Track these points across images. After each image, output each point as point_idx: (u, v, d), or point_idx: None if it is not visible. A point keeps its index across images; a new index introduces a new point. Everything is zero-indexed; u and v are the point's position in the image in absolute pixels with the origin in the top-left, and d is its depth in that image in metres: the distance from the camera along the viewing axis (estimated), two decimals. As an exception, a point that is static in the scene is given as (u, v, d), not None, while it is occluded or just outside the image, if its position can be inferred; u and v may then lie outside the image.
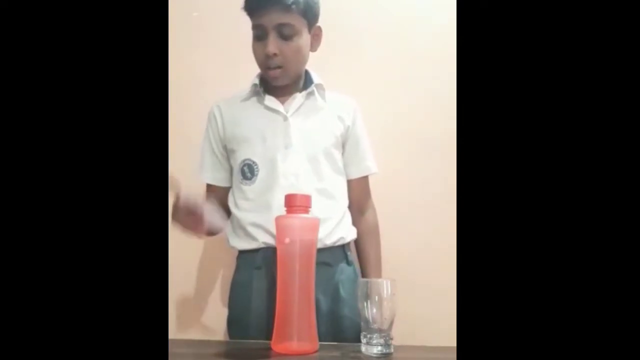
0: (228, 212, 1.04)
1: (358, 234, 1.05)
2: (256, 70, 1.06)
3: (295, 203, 0.74)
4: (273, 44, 0.94)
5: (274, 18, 0.93)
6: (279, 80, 0.99)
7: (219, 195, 1.03)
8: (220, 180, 1.04)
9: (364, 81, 1.27)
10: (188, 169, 1.17)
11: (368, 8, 1.31)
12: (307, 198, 0.75)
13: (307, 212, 0.74)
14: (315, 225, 0.75)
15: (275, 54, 0.94)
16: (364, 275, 1.05)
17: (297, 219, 0.73)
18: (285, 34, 0.94)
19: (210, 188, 1.05)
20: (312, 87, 1.02)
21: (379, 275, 1.04)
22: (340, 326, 0.93)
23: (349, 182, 1.06)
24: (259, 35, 0.95)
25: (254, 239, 0.95)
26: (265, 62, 0.96)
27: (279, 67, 0.97)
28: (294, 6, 0.93)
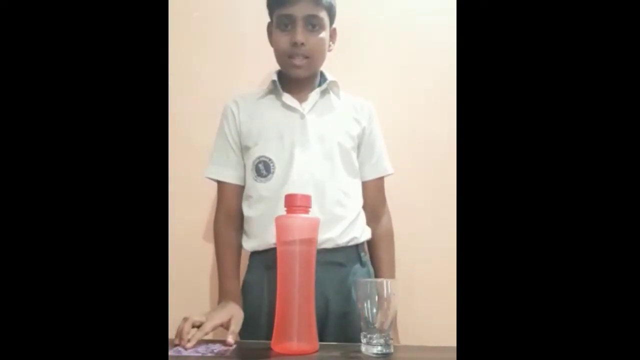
0: (241, 214, 1.02)
1: (373, 238, 1.05)
2: (257, 69, 1.06)
3: (295, 203, 0.74)
4: (301, 34, 0.95)
5: (304, 8, 0.94)
6: (301, 70, 0.99)
7: (233, 195, 1.02)
8: (230, 177, 1.02)
9: (370, 82, 1.27)
10: (188, 169, 1.17)
11: (373, 9, 1.31)
12: (307, 198, 0.75)
13: (307, 212, 0.74)
14: (315, 225, 0.75)
15: (302, 44, 0.95)
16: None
17: (297, 219, 0.73)
18: (313, 24, 0.96)
19: (224, 189, 1.03)
20: (326, 85, 1.02)
21: None
22: (353, 327, 0.92)
23: (365, 184, 1.06)
24: (285, 25, 0.96)
25: (267, 238, 0.93)
26: (290, 52, 0.97)
27: (305, 57, 0.97)
28: (322, 0, 0.95)
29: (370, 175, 1.06)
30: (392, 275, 1.04)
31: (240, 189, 1.03)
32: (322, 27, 0.97)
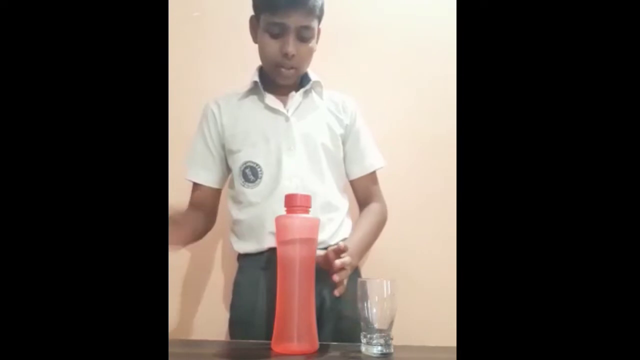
0: (214, 216, 1.03)
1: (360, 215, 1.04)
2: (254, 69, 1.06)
3: (295, 203, 0.74)
4: (293, 45, 0.94)
5: (298, 20, 0.92)
6: (289, 80, 0.99)
7: (205, 196, 1.01)
8: (209, 181, 1.01)
9: (363, 79, 1.27)
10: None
11: (366, 4, 1.31)
12: (307, 198, 0.75)
13: (307, 212, 0.74)
14: (315, 225, 0.75)
15: (293, 55, 0.94)
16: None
17: (297, 219, 0.73)
18: (304, 37, 0.95)
19: (197, 188, 1.02)
20: (309, 85, 1.02)
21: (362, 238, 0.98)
22: (342, 326, 0.92)
23: (354, 182, 1.06)
24: (277, 34, 0.94)
25: (259, 242, 0.94)
26: (279, 61, 0.96)
27: (293, 68, 0.97)
28: (316, 10, 0.94)
29: (358, 173, 1.05)
30: (361, 245, 0.97)
31: (215, 192, 1.03)
32: (312, 37, 0.96)
